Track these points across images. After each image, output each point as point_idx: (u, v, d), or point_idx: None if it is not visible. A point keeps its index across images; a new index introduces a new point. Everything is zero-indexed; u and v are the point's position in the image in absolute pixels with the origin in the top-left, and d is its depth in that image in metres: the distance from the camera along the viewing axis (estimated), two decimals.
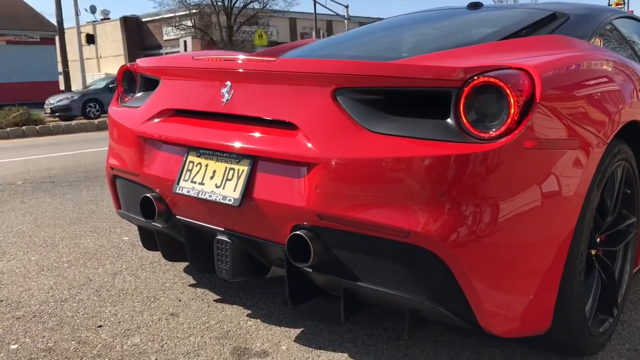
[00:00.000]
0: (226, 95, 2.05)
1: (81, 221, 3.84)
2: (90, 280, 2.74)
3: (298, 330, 2.23)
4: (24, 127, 11.53)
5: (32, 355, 2.03)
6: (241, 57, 2.03)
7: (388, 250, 1.73)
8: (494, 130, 1.62)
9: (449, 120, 1.69)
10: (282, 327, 2.26)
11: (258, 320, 2.32)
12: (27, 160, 6.70)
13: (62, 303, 2.47)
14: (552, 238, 1.72)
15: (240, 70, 2.00)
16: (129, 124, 2.38)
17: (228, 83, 2.05)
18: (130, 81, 2.68)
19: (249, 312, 2.40)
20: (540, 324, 1.80)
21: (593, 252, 2.09)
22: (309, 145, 1.79)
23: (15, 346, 2.09)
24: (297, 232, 1.82)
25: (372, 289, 1.79)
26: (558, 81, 1.75)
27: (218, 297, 2.53)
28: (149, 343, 2.13)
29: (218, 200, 1.98)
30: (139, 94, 2.62)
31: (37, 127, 11.79)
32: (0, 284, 2.68)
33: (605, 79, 1.99)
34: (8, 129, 11.27)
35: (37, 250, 3.20)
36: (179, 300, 2.50)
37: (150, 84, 2.51)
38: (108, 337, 2.17)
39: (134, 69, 2.61)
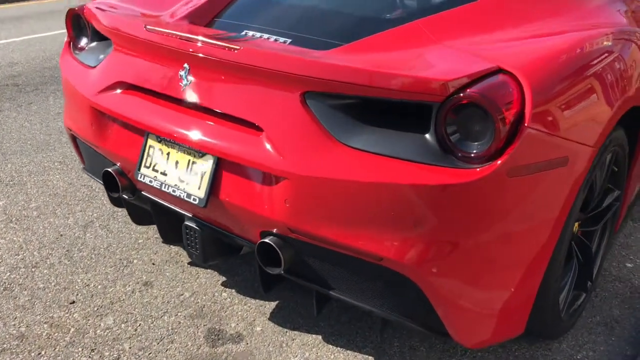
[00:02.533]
0: (185, 79, 1.84)
1: (49, 146, 3.68)
2: (61, 235, 2.68)
3: (273, 305, 2.23)
4: None
5: (5, 345, 2.02)
6: (199, 38, 1.78)
7: (361, 269, 1.66)
8: (477, 152, 1.48)
9: (428, 136, 1.54)
10: (257, 300, 2.25)
11: (233, 291, 2.30)
12: None
13: (33, 269, 2.42)
14: (529, 262, 1.66)
15: (198, 54, 1.78)
16: (83, 91, 2.16)
17: (186, 66, 1.83)
18: (81, 27, 2.41)
19: (224, 279, 2.37)
20: (512, 334, 1.79)
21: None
22: (276, 154, 1.64)
23: None
24: (266, 241, 1.73)
25: (344, 299, 1.75)
26: (552, 86, 1.57)
27: None
28: (122, 325, 2.12)
29: (182, 197, 1.86)
30: (93, 44, 2.37)
31: None
32: None
33: (606, 66, 1.80)
34: None
35: (4, 191, 3.09)
36: (153, 264, 2.46)
37: (103, 36, 2.25)
38: (81, 317, 2.15)
39: (84, 15, 2.33)
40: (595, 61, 1.76)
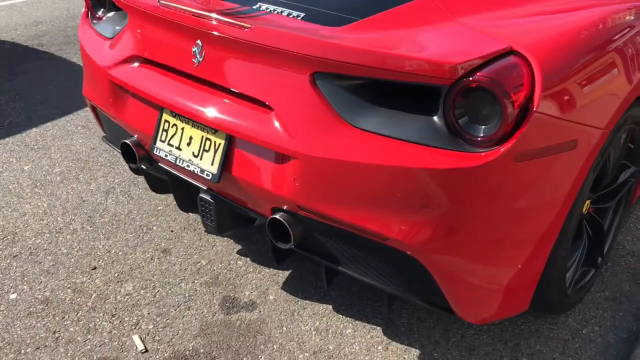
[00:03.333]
0: (198, 56, 1.86)
1: (72, 109, 3.75)
2: (84, 201, 2.76)
3: (286, 274, 2.29)
4: None
5: (31, 308, 2.13)
6: (211, 15, 1.79)
7: (367, 247, 1.70)
8: (484, 135, 1.48)
9: (436, 119, 1.54)
10: (271, 270, 2.32)
11: (248, 259, 2.37)
12: (12, 6, 6.33)
13: (57, 235, 2.52)
14: (535, 242, 1.67)
15: (210, 32, 1.78)
16: (100, 62, 2.19)
17: (199, 42, 1.85)
18: None
19: (239, 247, 2.44)
20: (516, 311, 1.83)
21: (584, 210, 2.04)
22: (286, 133, 1.66)
23: (14, 296, 2.19)
24: (276, 217, 1.77)
25: (352, 275, 1.80)
26: (563, 68, 1.55)
27: None
28: (142, 291, 2.21)
29: (196, 172, 1.90)
30: (110, 14, 2.38)
31: None
32: None
33: (622, 45, 1.76)
34: None
35: (29, 155, 3.18)
36: (171, 232, 2.54)
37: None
38: (102, 283, 2.25)
39: None
40: (611, 40, 1.73)
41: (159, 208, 2.70)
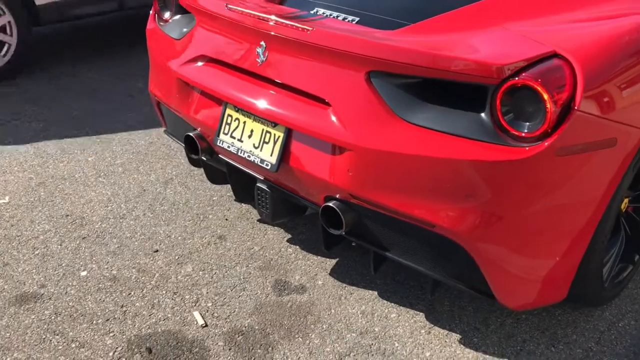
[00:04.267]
0: (261, 56, 2.03)
1: (131, 104, 3.98)
2: (144, 190, 2.96)
3: (333, 262, 2.44)
4: None
5: (100, 285, 2.32)
6: (275, 18, 1.95)
7: (415, 233, 1.84)
8: (528, 131, 1.61)
9: (483, 115, 1.67)
10: (319, 257, 2.47)
11: (297, 247, 2.53)
12: None
13: (121, 220, 2.72)
14: (574, 235, 1.78)
15: (275, 34, 1.95)
16: (168, 61, 2.39)
17: (263, 44, 2.01)
18: (165, 1, 2.61)
19: (289, 236, 2.60)
20: (555, 299, 1.93)
21: (622, 208, 2.13)
22: (342, 127, 1.81)
23: (84, 273, 2.39)
24: (330, 205, 1.92)
25: (399, 260, 1.93)
26: (604, 71, 1.66)
27: None
28: (200, 273, 2.38)
29: (256, 162, 2.07)
30: (177, 17, 2.57)
31: None
32: (64, 194, 2.93)
33: None
34: None
35: (93, 147, 3.40)
36: (226, 220, 2.72)
37: (185, 10, 2.46)
38: (164, 264, 2.43)
39: None
40: None
41: (214, 198, 2.88)
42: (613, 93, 1.68)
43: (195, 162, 2.74)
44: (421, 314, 2.18)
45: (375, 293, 2.28)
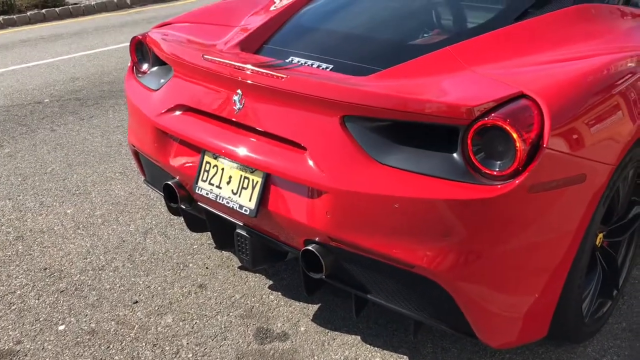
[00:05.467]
0: (238, 103, 2.06)
1: (110, 157, 3.98)
2: (124, 241, 2.94)
3: (316, 307, 2.43)
4: (44, 11, 11.35)
5: (78, 339, 2.28)
6: (250, 67, 2.00)
7: (395, 275, 1.84)
8: (500, 170, 1.64)
9: (455, 155, 1.71)
10: (301, 303, 2.45)
11: (279, 293, 2.51)
12: (51, 64, 6.73)
13: (100, 272, 2.69)
14: (550, 271, 1.80)
15: (250, 82, 1.99)
16: (146, 111, 2.41)
17: (239, 92, 2.06)
18: (143, 52, 2.67)
19: (271, 282, 2.58)
20: (535, 337, 1.94)
21: (597, 243, 2.16)
22: (318, 170, 1.84)
23: (62, 327, 2.34)
24: (309, 248, 1.93)
25: (380, 303, 1.93)
26: (570, 110, 1.72)
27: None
28: (181, 323, 2.35)
29: (235, 208, 2.07)
30: (154, 69, 2.62)
31: (57, 9, 11.59)
32: (43, 247, 2.90)
33: (626, 89, 1.93)
34: (29, 13, 11.11)
35: (71, 199, 3.39)
36: (207, 268, 2.70)
37: (163, 61, 2.50)
38: (143, 315, 2.40)
39: (146, 43, 2.58)
40: (615, 85, 1.89)
41: (195, 247, 2.87)
42: (580, 130, 1.73)
43: (174, 211, 2.74)
44: (405, 357, 2.16)
45: (359, 337, 2.26)
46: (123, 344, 2.25)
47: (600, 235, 2.14)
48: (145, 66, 2.67)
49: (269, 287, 2.55)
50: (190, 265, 2.73)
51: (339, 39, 2.43)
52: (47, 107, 5.10)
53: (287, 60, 2.22)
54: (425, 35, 2.39)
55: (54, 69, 6.49)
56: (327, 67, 2.11)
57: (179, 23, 2.80)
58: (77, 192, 3.49)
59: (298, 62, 2.20)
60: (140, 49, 2.68)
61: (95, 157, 4.00)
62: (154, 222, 3.11)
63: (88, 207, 3.30)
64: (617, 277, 2.28)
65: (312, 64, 2.15)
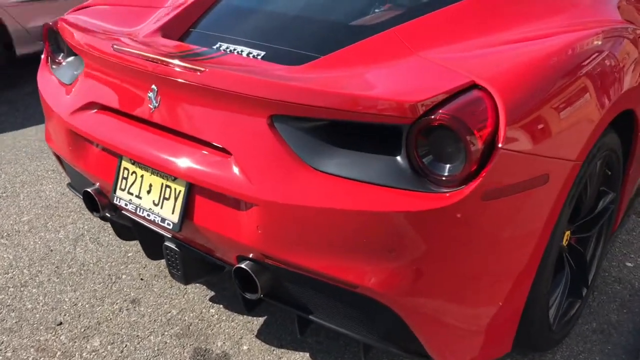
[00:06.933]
0: (153, 101, 1.79)
1: (44, 153, 3.66)
2: (51, 250, 2.66)
3: (261, 321, 2.20)
4: None
5: None
6: (164, 59, 1.72)
7: (337, 295, 1.61)
8: (450, 174, 1.41)
9: (400, 159, 1.47)
10: (245, 317, 2.22)
11: (221, 307, 2.27)
12: None
13: (22, 289, 2.41)
14: (514, 279, 1.60)
15: (165, 76, 1.72)
16: (59, 110, 2.12)
17: (154, 87, 1.78)
18: (57, 41, 2.35)
19: (212, 294, 2.34)
20: (499, 353, 1.74)
21: (565, 242, 1.96)
22: (245, 179, 1.59)
23: None
24: (242, 266, 1.69)
25: (324, 324, 1.71)
26: (530, 100, 1.49)
27: None
28: (109, 347, 2.10)
29: (157, 221, 1.82)
30: (70, 59, 2.31)
31: None
32: None
33: (591, 73, 1.70)
34: None
35: None
36: (141, 280, 2.44)
37: None
38: (67, 339, 2.14)
39: (58, 30, 2.27)
40: (580, 68, 1.67)
41: (129, 255, 2.60)
42: (541, 125, 1.50)
43: (104, 217, 2.47)
44: None
45: (307, 355, 2.04)
46: None
47: (568, 233, 1.93)
48: (60, 56, 2.36)
49: (210, 300, 2.31)
50: (124, 276, 2.47)
51: (276, 20, 2.15)
52: None
53: (214, 47, 1.94)
54: (371, 14, 2.13)
55: None
56: (258, 55, 1.85)
57: (99, 5, 2.48)
58: (3, 194, 3.17)
59: (227, 48, 1.92)
60: (55, 37, 2.37)
61: (26, 154, 3.67)
62: (86, 228, 2.83)
63: (15, 211, 3.00)
64: (586, 274, 2.09)
65: (241, 51, 1.89)
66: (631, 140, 2.07)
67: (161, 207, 1.81)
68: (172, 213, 1.78)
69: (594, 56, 1.76)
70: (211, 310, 2.26)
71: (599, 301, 2.24)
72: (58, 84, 2.23)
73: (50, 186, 3.25)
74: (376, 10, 2.14)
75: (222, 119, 1.65)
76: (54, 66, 2.36)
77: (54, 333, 2.17)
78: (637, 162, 2.23)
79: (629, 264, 2.43)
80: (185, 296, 2.33)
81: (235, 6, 2.29)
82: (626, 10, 2.22)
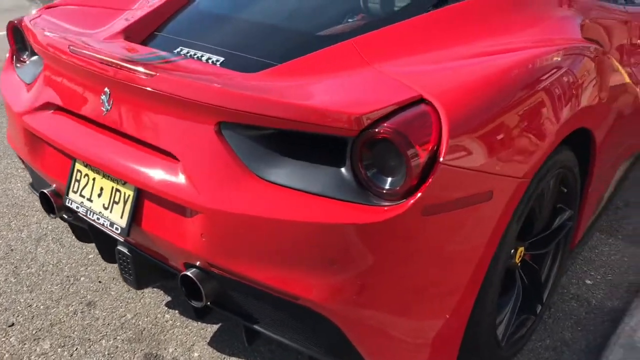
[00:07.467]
0: (106, 104, 1.78)
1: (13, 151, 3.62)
2: (12, 250, 2.63)
3: (215, 327, 2.18)
4: None
5: None
6: (116, 62, 1.70)
7: (281, 306, 1.60)
8: (391, 188, 1.40)
9: (344, 170, 1.46)
10: (199, 324, 2.20)
11: (176, 312, 2.25)
12: None
13: None
14: (459, 294, 1.59)
15: (116, 79, 1.70)
16: (18, 109, 2.10)
17: (107, 90, 1.77)
18: (22, 40, 2.34)
19: (169, 298, 2.32)
20: None
21: (517, 259, 1.95)
22: (191, 186, 1.57)
23: None
24: (187, 274, 1.67)
25: (271, 335, 1.69)
26: (475, 117, 1.49)
27: None
28: (59, 350, 2.08)
29: (106, 225, 1.80)
30: (34, 58, 2.30)
31: None
32: None
33: (543, 91, 1.70)
34: None
35: None
36: (99, 282, 2.42)
37: None
38: (17, 342, 2.11)
39: (22, 29, 2.26)
40: (534, 85, 1.67)
41: (90, 256, 2.58)
42: (486, 141, 1.50)
43: (62, 219, 2.45)
44: None
45: None
46: None
47: (521, 249, 1.93)
48: (25, 54, 2.35)
49: (166, 305, 2.29)
50: (82, 278, 2.44)
51: (240, 27, 2.15)
52: None
53: (175, 52, 1.94)
54: (336, 23, 2.13)
55: None
56: (217, 61, 1.84)
57: (69, 5, 2.47)
58: None
59: (187, 53, 1.92)
60: (20, 36, 2.35)
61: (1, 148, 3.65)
62: (49, 228, 2.80)
63: None
64: (541, 292, 2.09)
65: (200, 57, 1.88)
66: (589, 159, 2.08)
67: (110, 211, 1.80)
68: (121, 217, 1.76)
69: (550, 73, 1.76)
70: (166, 315, 2.24)
71: (555, 318, 2.23)
72: (20, 83, 2.22)
73: (18, 185, 3.22)
74: (341, 21, 2.14)
75: (172, 124, 1.64)
76: (18, 65, 2.35)
77: (4, 334, 2.15)
78: (597, 180, 2.23)
79: (588, 282, 2.44)
80: (142, 300, 2.31)
81: (202, 11, 2.28)
82: (591, 28, 2.24)
